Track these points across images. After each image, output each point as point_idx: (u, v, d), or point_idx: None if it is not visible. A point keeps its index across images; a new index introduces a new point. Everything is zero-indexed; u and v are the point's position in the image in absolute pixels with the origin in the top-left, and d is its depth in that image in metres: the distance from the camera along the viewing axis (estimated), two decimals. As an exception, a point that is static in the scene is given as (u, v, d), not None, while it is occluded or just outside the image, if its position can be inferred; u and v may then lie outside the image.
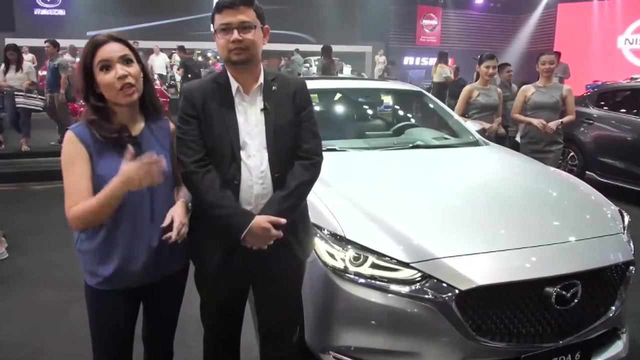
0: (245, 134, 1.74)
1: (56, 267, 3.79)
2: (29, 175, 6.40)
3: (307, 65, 16.83)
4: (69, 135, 1.61)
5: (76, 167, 1.58)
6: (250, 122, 1.75)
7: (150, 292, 1.78)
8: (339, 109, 4.01)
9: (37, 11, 18.26)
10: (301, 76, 8.69)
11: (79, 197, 1.56)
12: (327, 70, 9.49)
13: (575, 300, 2.01)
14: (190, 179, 1.71)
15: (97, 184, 1.59)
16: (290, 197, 1.73)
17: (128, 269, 1.65)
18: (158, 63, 13.57)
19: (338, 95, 3.99)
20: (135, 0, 18.37)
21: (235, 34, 1.66)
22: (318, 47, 19.65)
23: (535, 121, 4.39)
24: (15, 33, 17.23)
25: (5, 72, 7.13)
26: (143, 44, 15.19)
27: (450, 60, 10.82)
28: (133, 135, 1.67)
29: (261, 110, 1.76)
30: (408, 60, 22.98)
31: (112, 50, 1.59)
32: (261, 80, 1.77)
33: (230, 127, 1.73)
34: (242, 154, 1.73)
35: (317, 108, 3.87)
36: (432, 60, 22.34)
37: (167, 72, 13.48)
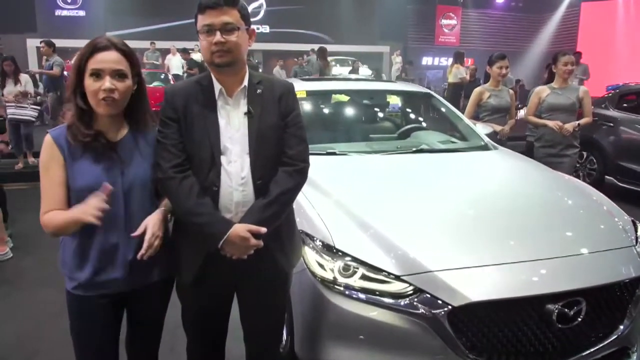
0: (226, 138, 1.67)
1: (58, 268, 3.78)
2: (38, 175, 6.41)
3: (323, 65, 16.73)
4: (47, 138, 1.60)
5: (51, 173, 1.59)
6: (233, 126, 1.68)
7: (132, 299, 1.74)
8: (341, 110, 3.91)
9: (58, 12, 18.56)
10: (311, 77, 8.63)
11: (52, 204, 1.58)
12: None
13: (579, 319, 1.88)
14: (168, 184, 1.64)
15: (71, 189, 1.59)
16: (272, 205, 1.65)
17: (100, 277, 1.63)
18: (174, 63, 13.64)
19: (341, 97, 3.89)
20: (153, 1, 18.54)
21: (218, 36, 1.59)
22: (335, 47, 19.61)
23: (551, 123, 4.22)
24: (37, 34, 17.60)
25: (2, 86, 6.51)
26: (161, 44, 15.37)
27: (470, 61, 10.63)
28: (112, 142, 1.63)
29: (244, 114, 1.69)
30: (427, 60, 22.74)
31: (108, 60, 1.55)
32: (245, 82, 1.70)
33: (211, 131, 1.66)
34: (223, 159, 1.66)
35: (318, 110, 3.80)
36: (451, 61, 22.23)
37: (184, 72, 13.56)
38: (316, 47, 16.71)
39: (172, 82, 11.39)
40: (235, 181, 1.66)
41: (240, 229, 1.59)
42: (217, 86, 1.69)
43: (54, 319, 3.09)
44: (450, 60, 10.79)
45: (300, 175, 1.72)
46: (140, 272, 1.67)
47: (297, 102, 1.78)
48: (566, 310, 1.85)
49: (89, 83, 1.54)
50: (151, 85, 10.36)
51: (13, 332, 2.99)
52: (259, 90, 1.71)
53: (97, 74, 1.54)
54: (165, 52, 14.70)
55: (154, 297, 1.79)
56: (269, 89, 1.73)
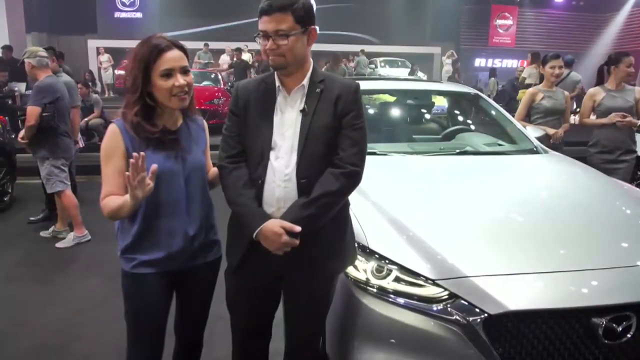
0: (279, 134, 1.71)
1: (110, 258, 3.91)
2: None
3: (372, 66, 16.63)
4: (113, 128, 1.69)
5: (114, 161, 1.67)
6: (286, 123, 1.71)
7: (184, 278, 1.83)
8: (384, 111, 3.85)
9: (117, 14, 19.42)
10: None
11: (112, 189, 1.66)
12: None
13: (629, 335, 1.75)
14: (221, 173, 1.78)
15: None
16: (311, 206, 1.64)
17: (164, 254, 1.73)
18: (229, 63, 14.01)
19: (385, 97, 3.84)
20: (206, 3, 19.01)
21: (270, 43, 1.63)
22: (384, 48, 19.42)
23: (607, 120, 3.97)
24: (97, 35, 18.52)
25: None
26: (214, 45, 15.77)
27: (526, 62, 10.15)
28: (173, 130, 1.76)
29: (300, 111, 1.70)
30: (479, 62, 22.14)
31: (175, 58, 1.66)
32: (305, 81, 1.71)
33: (264, 126, 1.72)
34: (271, 154, 1.70)
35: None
36: (506, 62, 21.47)
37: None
38: (365, 47, 16.73)
39: (222, 82, 11.64)
40: (279, 177, 1.69)
41: (273, 224, 1.62)
42: (277, 83, 1.73)
43: (96, 307, 3.23)
44: (505, 61, 10.40)
45: (347, 179, 1.68)
46: (198, 252, 1.80)
47: (358, 103, 1.73)
48: (614, 325, 1.72)
49: (162, 83, 1.65)
50: (201, 85, 10.56)
51: (56, 316, 3.12)
52: (318, 89, 1.72)
53: (169, 74, 1.64)
54: (217, 52, 15.10)
55: (204, 276, 1.89)
56: (329, 89, 1.72)
